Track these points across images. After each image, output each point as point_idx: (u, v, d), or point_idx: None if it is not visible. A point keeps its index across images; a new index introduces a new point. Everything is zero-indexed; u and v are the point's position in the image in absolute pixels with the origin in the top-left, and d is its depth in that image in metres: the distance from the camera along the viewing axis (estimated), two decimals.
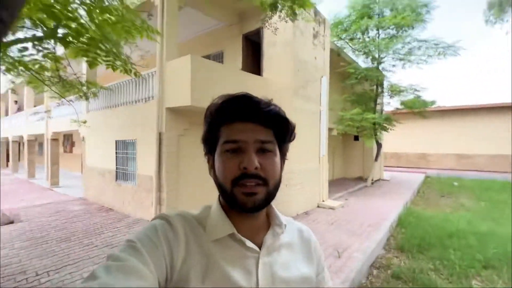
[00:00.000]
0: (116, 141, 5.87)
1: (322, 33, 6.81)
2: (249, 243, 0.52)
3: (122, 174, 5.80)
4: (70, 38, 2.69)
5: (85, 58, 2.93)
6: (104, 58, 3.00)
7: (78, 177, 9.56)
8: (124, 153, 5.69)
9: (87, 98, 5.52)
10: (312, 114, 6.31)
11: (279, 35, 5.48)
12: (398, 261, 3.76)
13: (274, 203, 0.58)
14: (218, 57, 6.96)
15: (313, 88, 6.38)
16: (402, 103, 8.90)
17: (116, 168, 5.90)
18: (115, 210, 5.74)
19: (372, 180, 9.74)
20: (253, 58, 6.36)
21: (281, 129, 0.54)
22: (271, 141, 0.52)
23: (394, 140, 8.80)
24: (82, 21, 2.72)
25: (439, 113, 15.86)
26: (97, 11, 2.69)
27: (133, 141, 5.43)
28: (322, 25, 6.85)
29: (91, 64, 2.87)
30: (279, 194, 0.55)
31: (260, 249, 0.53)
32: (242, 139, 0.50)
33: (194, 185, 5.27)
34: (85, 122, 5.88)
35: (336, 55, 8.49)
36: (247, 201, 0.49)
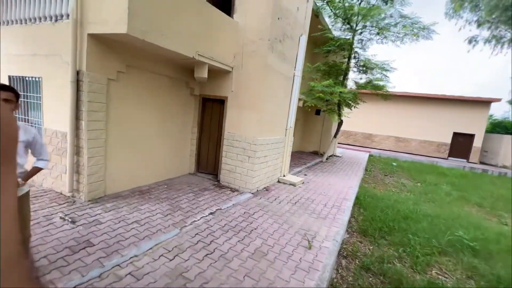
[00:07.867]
0: (9, 77, 4.00)
1: None
2: None
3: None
4: None
5: None
6: None
7: None
8: (24, 96, 3.94)
9: None
10: (285, 80, 5.41)
11: None
12: (363, 247, 3.50)
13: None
14: None
15: (291, 46, 5.38)
16: (370, 81, 8.65)
17: None
18: None
19: (327, 155, 9.77)
20: None
21: None
22: None
23: (344, 118, 9.02)
24: None
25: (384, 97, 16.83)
26: None
27: (38, 79, 3.72)
28: None
29: None
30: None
31: None
32: None
33: (129, 150, 4.04)
34: None
35: (315, 16, 7.51)
36: None
